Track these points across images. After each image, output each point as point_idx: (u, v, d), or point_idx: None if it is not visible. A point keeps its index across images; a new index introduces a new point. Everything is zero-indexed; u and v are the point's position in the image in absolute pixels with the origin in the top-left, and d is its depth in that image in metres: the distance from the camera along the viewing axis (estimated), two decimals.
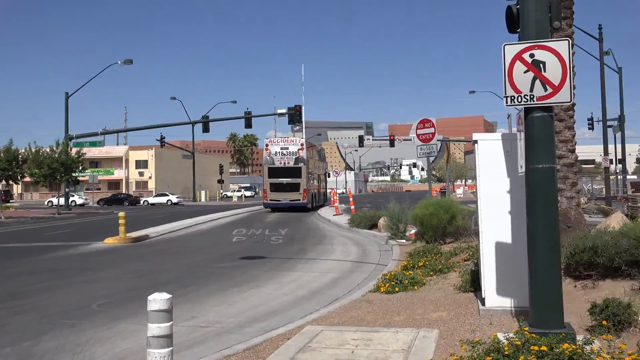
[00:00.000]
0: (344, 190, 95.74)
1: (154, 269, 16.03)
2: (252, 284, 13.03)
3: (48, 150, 49.06)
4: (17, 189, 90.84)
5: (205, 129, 50.62)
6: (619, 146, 51.95)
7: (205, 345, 8.19)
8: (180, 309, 10.21)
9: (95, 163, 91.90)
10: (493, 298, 8.52)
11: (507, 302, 8.45)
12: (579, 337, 6.38)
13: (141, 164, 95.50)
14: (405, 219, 20.65)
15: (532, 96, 6.74)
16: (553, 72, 6.71)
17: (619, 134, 48.25)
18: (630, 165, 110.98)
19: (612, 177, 51.64)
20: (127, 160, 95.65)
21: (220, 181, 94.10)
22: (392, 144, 63.37)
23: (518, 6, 6.99)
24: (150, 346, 5.55)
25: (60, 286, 13.34)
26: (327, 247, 20.54)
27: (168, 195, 76.78)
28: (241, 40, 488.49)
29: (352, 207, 34.43)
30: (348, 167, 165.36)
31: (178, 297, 11.20)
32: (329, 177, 62.65)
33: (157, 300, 5.59)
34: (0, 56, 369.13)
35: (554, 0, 6.78)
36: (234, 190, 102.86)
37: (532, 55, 6.77)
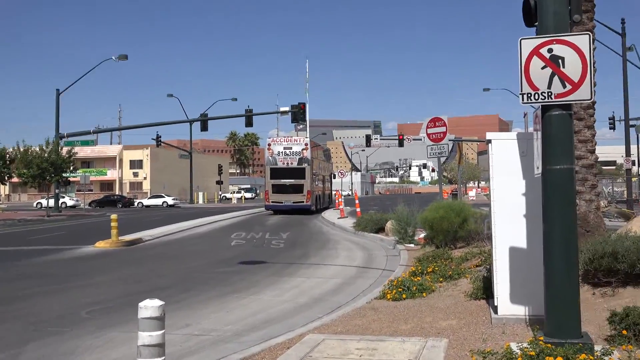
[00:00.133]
0: (350, 192, 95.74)
1: (148, 274, 16.02)
2: (251, 290, 13.01)
3: (37, 149, 49.23)
4: (4, 190, 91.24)
5: (204, 128, 50.70)
6: None
7: (199, 354, 8.16)
8: (175, 316, 10.20)
9: (87, 163, 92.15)
10: (506, 306, 8.48)
11: (521, 310, 8.41)
12: (597, 348, 6.34)
13: (136, 164, 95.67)
14: (414, 222, 20.62)
15: (550, 93, 6.70)
16: (572, 68, 6.67)
17: None
18: None
19: (634, 179, 51.51)
20: (120, 160, 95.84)
21: (219, 182, 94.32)
22: (401, 144, 63.34)
23: None
24: (140, 356, 5.53)
25: (48, 292, 13.33)
26: (331, 251, 20.52)
27: (164, 197, 76.92)
28: (242, 34, 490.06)
29: (358, 209, 34.42)
30: (354, 168, 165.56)
31: (172, 303, 11.19)
32: (334, 178, 62.68)
33: (149, 307, 5.57)
34: None
35: None
36: (234, 192, 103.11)
37: (550, 50, 6.72)
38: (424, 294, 10.83)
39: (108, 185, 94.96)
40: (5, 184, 59.02)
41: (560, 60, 6.70)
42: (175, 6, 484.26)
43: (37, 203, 71.27)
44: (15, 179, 54.65)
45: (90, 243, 23.51)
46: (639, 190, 52.36)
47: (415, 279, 11.66)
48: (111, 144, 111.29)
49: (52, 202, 53.32)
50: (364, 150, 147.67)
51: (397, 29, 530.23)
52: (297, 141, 44.98)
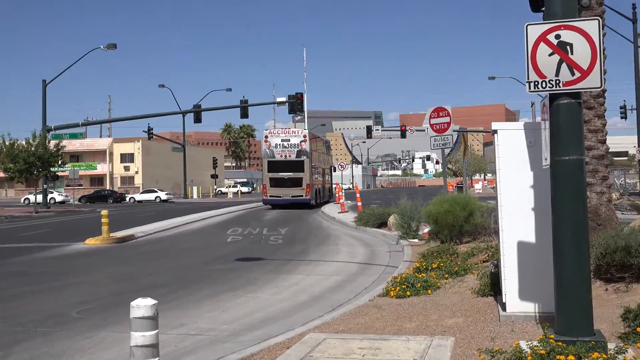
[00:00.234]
0: (351, 186, 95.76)
1: (140, 272, 16.04)
2: (248, 288, 13.02)
3: (24, 143, 49.16)
4: None
5: (197, 119, 50.73)
6: None
7: (195, 355, 8.17)
8: (169, 315, 10.21)
9: (76, 157, 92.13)
10: (515, 302, 8.48)
11: (530, 307, 8.41)
12: (611, 346, 6.34)
13: (127, 158, 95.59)
14: (417, 216, 20.62)
15: (557, 81, 6.69)
16: (581, 54, 6.65)
17: None
18: None
19: None
20: (111, 154, 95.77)
21: (214, 176, 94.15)
22: (403, 135, 63.40)
23: None
24: (133, 357, 5.54)
25: (36, 291, 13.33)
26: (331, 247, 20.53)
27: (156, 192, 76.89)
28: (236, 21, 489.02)
29: (359, 203, 34.40)
30: (355, 161, 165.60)
31: (166, 302, 11.21)
32: (334, 171, 62.67)
33: (141, 306, 5.57)
34: None
35: None
36: (229, 186, 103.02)
37: (558, 37, 6.70)
38: (429, 291, 10.84)
39: (98, 179, 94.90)
40: None
41: (568, 47, 6.68)
42: None
43: (25, 199, 71.23)
44: (1, 174, 54.62)
45: (80, 240, 23.50)
46: None
47: (420, 276, 11.67)
48: (101, 136, 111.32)
49: (40, 197, 53.31)
50: (364, 142, 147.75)
51: (398, 15, 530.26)
52: (295, 133, 44.91)
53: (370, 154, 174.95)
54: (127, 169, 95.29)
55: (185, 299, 12.08)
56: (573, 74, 6.66)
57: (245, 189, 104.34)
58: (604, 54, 7.63)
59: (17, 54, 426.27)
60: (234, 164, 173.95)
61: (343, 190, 43.97)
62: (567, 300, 6.57)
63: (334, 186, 55.32)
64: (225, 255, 19.08)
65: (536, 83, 6.78)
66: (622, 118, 56.21)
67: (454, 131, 22.92)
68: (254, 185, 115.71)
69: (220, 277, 14.72)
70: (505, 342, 7.29)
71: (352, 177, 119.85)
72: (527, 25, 6.82)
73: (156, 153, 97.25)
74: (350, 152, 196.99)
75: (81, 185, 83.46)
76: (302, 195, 42.99)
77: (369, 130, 76.05)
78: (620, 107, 55.79)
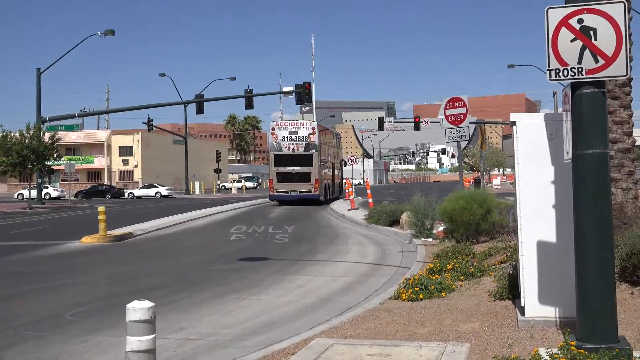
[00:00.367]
0: (361, 181, 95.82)
1: (139, 272, 16.07)
2: (252, 290, 13.03)
3: (17, 135, 49.26)
4: None
5: (200, 110, 50.69)
6: None
7: None
8: (168, 318, 10.22)
9: (72, 150, 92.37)
10: (534, 307, 8.42)
11: (550, 312, 8.36)
12: (636, 354, 6.30)
13: (125, 151, 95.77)
14: (432, 214, 20.57)
15: (580, 69, 6.63)
16: (605, 40, 6.59)
17: None
18: None
19: None
20: (109, 147, 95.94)
21: (218, 170, 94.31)
22: (417, 127, 63.23)
23: None
24: None
25: (29, 292, 13.38)
26: (340, 247, 20.53)
27: (157, 187, 77.09)
28: (241, 8, 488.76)
29: (370, 200, 34.41)
30: (366, 154, 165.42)
31: (165, 305, 11.23)
32: (344, 165, 62.63)
33: (137, 309, 5.57)
34: None
35: None
36: (234, 181, 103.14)
37: (580, 21, 6.64)
38: (443, 294, 10.80)
39: (95, 174, 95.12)
40: None
41: (591, 32, 6.62)
42: None
43: (19, 194, 71.49)
44: None
45: (76, 238, 23.57)
46: None
47: (434, 277, 11.63)
48: (98, 128, 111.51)
49: (34, 193, 53.48)
50: (376, 135, 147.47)
51: (413, 2, 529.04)
52: (303, 125, 44.84)
53: (382, 147, 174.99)
54: (125, 162, 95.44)
55: (185, 301, 12.09)
56: (597, 61, 6.59)
57: (250, 184, 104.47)
58: (630, 39, 7.57)
59: (12, 44, 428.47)
60: (238, 158, 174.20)
61: (353, 186, 43.95)
62: (590, 304, 6.52)
63: (344, 181, 55.33)
64: (228, 254, 19.10)
65: (557, 71, 6.72)
66: None
67: (470, 123, 22.86)
68: (260, 180, 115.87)
69: (222, 277, 14.74)
70: (524, 349, 7.25)
71: (363, 171, 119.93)
72: (548, 9, 6.76)
73: (156, 146, 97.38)
74: (361, 145, 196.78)
75: (77, 179, 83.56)
76: (310, 191, 42.97)
77: (380, 121, 75.77)
78: None
